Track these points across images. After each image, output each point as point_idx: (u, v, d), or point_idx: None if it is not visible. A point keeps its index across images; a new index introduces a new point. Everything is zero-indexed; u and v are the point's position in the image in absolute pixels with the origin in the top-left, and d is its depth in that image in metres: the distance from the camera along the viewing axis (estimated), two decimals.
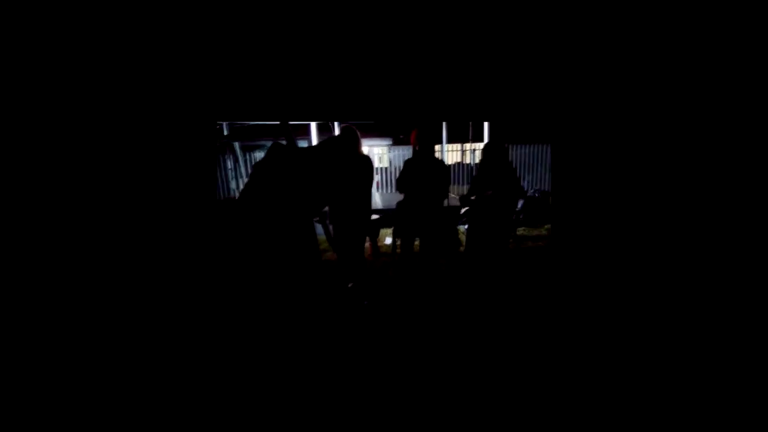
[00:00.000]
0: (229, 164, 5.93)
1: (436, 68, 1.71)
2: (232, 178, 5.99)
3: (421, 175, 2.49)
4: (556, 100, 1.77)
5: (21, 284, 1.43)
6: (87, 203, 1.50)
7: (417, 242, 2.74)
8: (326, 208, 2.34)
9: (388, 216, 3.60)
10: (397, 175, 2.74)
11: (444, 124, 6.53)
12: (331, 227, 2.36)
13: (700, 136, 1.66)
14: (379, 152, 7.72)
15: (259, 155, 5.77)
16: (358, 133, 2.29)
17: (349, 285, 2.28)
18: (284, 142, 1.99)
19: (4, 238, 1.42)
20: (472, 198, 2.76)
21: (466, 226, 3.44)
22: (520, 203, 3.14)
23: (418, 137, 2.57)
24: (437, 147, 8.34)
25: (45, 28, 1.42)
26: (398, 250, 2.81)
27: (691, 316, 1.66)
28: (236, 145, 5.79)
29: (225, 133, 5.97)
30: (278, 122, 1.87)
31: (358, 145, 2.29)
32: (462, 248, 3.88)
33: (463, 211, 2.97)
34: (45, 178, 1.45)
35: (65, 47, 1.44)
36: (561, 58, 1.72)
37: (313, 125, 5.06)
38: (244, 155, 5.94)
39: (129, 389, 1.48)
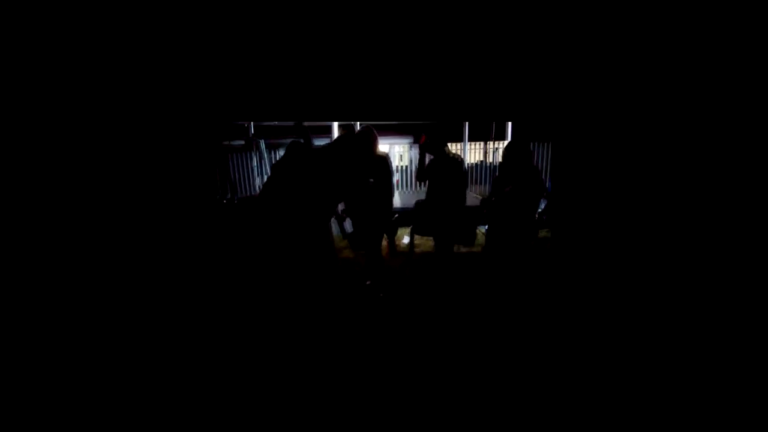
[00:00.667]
0: (255, 162, 6.15)
1: (452, 68, 1.70)
2: (257, 175, 6.21)
3: (440, 175, 2.48)
4: (556, 100, 1.73)
5: (22, 283, 1.41)
6: (88, 203, 1.48)
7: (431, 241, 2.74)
8: (341, 206, 2.38)
9: (406, 215, 3.61)
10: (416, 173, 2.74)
11: (466, 122, 6.42)
12: (347, 225, 2.40)
13: (700, 136, 1.60)
14: (400, 150, 7.72)
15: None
16: (375, 133, 2.31)
17: (367, 282, 2.32)
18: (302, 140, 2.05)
19: (7, 238, 1.40)
20: (493, 199, 2.71)
21: (486, 227, 3.39)
22: (542, 204, 3.04)
23: (427, 142, 2.55)
24: (459, 146, 8.22)
25: (48, 28, 1.39)
26: (416, 249, 2.82)
27: (691, 314, 1.62)
28: (261, 143, 6.00)
29: (251, 132, 6.20)
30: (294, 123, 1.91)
31: (374, 145, 2.30)
32: (477, 248, 3.82)
33: (484, 212, 2.93)
34: (47, 178, 1.43)
35: (70, 49, 1.42)
36: (562, 59, 1.68)
37: (335, 125, 5.14)
38: (269, 153, 6.14)
39: (136, 386, 1.47)
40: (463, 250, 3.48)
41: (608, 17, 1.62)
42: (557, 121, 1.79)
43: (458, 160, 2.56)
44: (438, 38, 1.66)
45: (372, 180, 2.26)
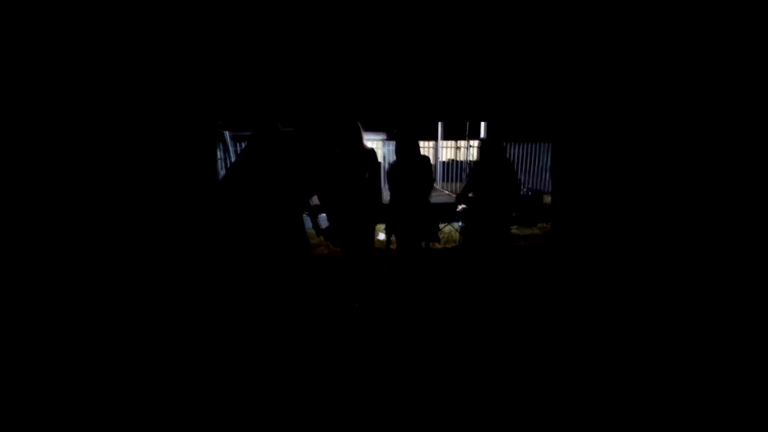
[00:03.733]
0: (219, 154, 5.78)
1: (431, 67, 1.68)
2: (221, 168, 5.84)
3: (408, 175, 2.47)
4: (557, 100, 1.75)
5: (23, 283, 1.43)
6: (88, 202, 1.48)
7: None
8: (315, 202, 2.27)
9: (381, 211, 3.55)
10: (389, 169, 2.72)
11: (440, 121, 6.50)
12: (320, 220, 2.29)
13: (699, 136, 1.66)
14: (373, 146, 7.65)
15: None
16: (361, 126, 2.24)
17: (356, 305, 2.23)
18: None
19: (11, 237, 1.42)
20: (469, 195, 2.72)
21: (461, 224, 3.43)
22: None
23: (398, 136, 2.56)
24: (431, 144, 8.31)
25: (50, 30, 1.41)
26: (392, 246, 2.78)
27: (688, 313, 1.66)
28: (227, 134, 5.64)
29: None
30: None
31: (362, 139, 2.24)
32: (451, 244, 3.88)
33: (459, 208, 2.94)
34: (48, 179, 1.44)
35: (72, 50, 1.44)
36: (561, 59, 1.70)
37: None
38: (235, 145, 5.80)
39: (128, 388, 1.45)
40: (438, 246, 3.48)
41: (607, 17, 1.64)
42: (557, 121, 1.80)
43: (426, 159, 2.56)
44: (416, 36, 1.63)
45: (366, 174, 2.19)
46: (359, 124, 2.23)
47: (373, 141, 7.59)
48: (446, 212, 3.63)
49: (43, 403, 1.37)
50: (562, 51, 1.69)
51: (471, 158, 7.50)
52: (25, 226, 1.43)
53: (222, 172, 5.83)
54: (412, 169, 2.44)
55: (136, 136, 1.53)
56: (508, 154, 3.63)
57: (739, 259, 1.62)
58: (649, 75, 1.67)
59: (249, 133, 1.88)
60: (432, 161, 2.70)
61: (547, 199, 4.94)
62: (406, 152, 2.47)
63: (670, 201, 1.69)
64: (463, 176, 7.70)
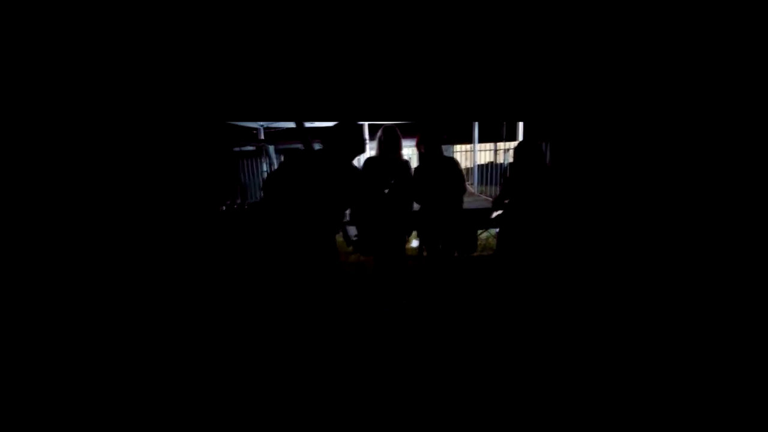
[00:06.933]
0: (265, 167, 6.20)
1: (434, 68, 1.65)
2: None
3: (433, 180, 2.36)
4: (557, 101, 1.67)
5: (26, 287, 1.41)
6: (91, 204, 1.47)
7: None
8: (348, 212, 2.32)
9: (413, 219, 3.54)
10: None
11: (476, 123, 6.33)
12: (350, 230, 2.33)
13: (699, 137, 1.55)
14: (407, 153, 7.68)
15: None
16: (400, 134, 2.21)
17: (386, 309, 2.24)
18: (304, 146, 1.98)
19: (12, 241, 1.39)
20: (506, 201, 2.61)
21: (497, 230, 3.29)
22: None
23: (422, 140, 2.45)
24: (468, 147, 8.09)
25: (50, 29, 1.38)
26: (425, 253, 2.75)
27: (688, 314, 1.59)
28: (270, 148, 6.04)
29: (261, 137, 6.25)
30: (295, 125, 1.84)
31: (399, 149, 2.20)
32: (488, 252, 3.72)
33: (494, 215, 2.82)
34: (50, 180, 1.42)
35: (74, 50, 1.41)
36: (562, 60, 1.62)
37: (366, 124, 5.07)
38: (279, 157, 6.19)
39: (138, 388, 1.47)
40: (473, 254, 3.38)
41: (610, 19, 1.57)
42: (558, 121, 1.73)
43: (453, 161, 2.44)
44: (444, 38, 1.62)
45: (393, 181, 2.17)
46: (398, 132, 2.20)
47: (406, 147, 7.61)
48: (483, 218, 3.52)
49: (43, 403, 1.36)
50: (561, 50, 1.62)
51: (509, 161, 7.19)
52: (30, 231, 1.40)
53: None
54: (438, 172, 2.36)
55: (142, 139, 1.51)
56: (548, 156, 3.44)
57: (740, 261, 1.53)
58: (649, 76, 1.57)
59: (291, 146, 1.95)
60: (469, 165, 2.60)
61: None
62: (429, 155, 2.39)
63: (671, 201, 1.58)
64: (501, 180, 7.39)
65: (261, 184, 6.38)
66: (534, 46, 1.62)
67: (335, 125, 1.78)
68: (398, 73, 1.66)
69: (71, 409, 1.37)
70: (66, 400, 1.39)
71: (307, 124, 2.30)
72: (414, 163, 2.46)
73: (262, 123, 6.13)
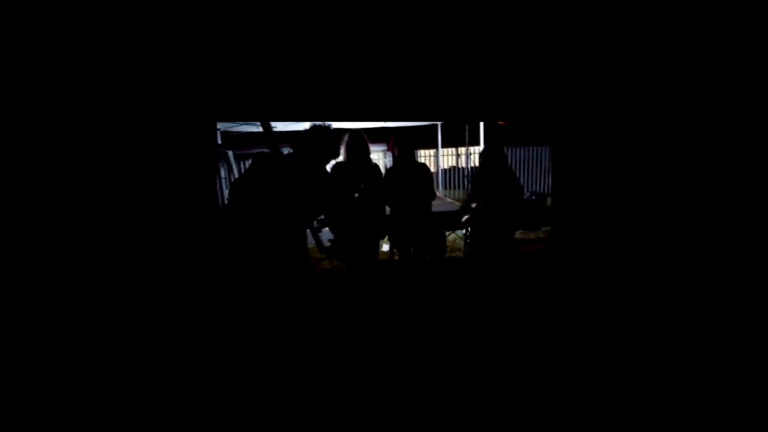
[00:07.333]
0: (223, 173, 5.85)
1: (433, 68, 1.66)
2: (225, 187, 5.90)
3: (404, 183, 2.40)
4: (557, 101, 1.75)
5: (24, 289, 1.42)
6: (85, 206, 1.46)
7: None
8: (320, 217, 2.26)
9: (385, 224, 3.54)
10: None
11: (439, 127, 6.52)
12: (322, 236, 2.29)
13: (699, 138, 1.65)
14: (374, 158, 7.68)
15: None
16: (367, 138, 2.20)
17: (378, 309, 2.21)
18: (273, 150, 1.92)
19: (9, 243, 1.40)
20: (473, 205, 2.71)
21: (465, 232, 3.40)
22: None
23: (396, 143, 2.49)
24: (432, 151, 8.33)
25: (45, 29, 1.38)
26: (396, 257, 2.76)
27: (689, 317, 1.64)
28: (230, 153, 5.72)
29: (218, 141, 5.89)
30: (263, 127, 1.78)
31: (368, 153, 2.20)
32: (458, 253, 3.84)
33: (464, 219, 2.91)
34: (45, 181, 1.42)
35: (65, 48, 1.41)
36: (562, 60, 1.70)
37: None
38: (238, 163, 5.87)
39: (130, 390, 1.46)
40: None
41: (607, 18, 1.63)
42: (558, 121, 1.80)
43: (424, 166, 2.51)
44: (416, 36, 1.62)
45: (363, 186, 2.15)
46: (365, 137, 2.20)
47: (373, 152, 7.63)
48: (450, 220, 3.62)
49: (43, 403, 1.36)
50: (561, 50, 1.68)
51: (472, 165, 7.51)
52: (25, 229, 1.40)
53: (226, 191, 5.90)
54: (410, 177, 2.40)
55: (133, 138, 1.49)
56: (509, 160, 3.64)
57: (741, 262, 1.60)
58: (649, 77, 1.67)
59: (251, 151, 1.89)
60: (433, 169, 2.67)
61: (550, 201, 4.91)
62: (403, 159, 2.43)
63: (670, 202, 1.68)
64: (465, 183, 7.69)
65: (220, 190, 6.01)
66: (534, 46, 1.66)
67: (308, 129, 1.73)
68: (383, 71, 1.64)
69: (67, 408, 1.37)
70: (60, 399, 1.39)
71: (278, 128, 2.22)
72: (383, 165, 2.48)
73: (219, 126, 5.79)
